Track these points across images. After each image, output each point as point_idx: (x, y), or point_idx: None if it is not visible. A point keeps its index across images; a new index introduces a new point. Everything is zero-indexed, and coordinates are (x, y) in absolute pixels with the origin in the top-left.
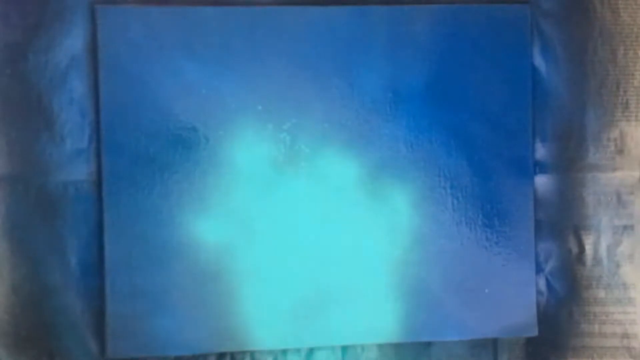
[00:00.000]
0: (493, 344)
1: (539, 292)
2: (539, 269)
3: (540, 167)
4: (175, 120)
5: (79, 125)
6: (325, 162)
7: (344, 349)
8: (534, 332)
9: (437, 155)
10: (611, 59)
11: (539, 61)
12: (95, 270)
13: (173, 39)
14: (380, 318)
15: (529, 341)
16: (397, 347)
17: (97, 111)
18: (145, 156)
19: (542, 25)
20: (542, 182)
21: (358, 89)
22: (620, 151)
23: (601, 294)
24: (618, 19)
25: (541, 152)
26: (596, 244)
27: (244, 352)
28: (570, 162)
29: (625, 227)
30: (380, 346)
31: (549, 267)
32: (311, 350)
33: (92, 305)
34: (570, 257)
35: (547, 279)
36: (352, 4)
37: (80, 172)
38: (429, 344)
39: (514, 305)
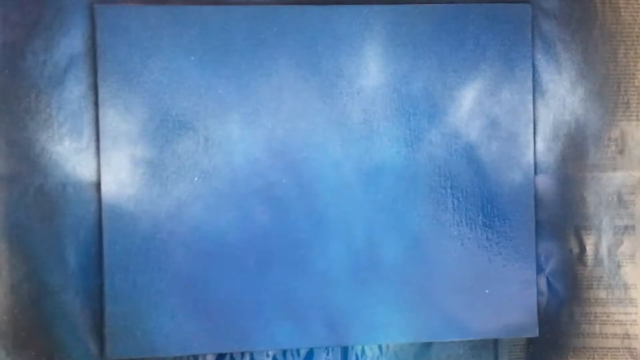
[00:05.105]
0: (494, 345)
1: (539, 293)
2: (539, 270)
3: (540, 167)
4: (175, 120)
5: (78, 125)
6: (325, 162)
7: (344, 349)
8: (535, 333)
9: (437, 155)
10: (612, 58)
11: (539, 61)
12: (94, 270)
13: (173, 38)
14: (380, 318)
15: (530, 342)
16: (397, 347)
17: (96, 111)
18: (145, 156)
19: (543, 25)
20: (543, 182)
21: (358, 89)
22: (621, 151)
23: (602, 294)
24: (619, 18)
25: (541, 152)
26: (597, 244)
27: (243, 352)
28: (570, 162)
29: (626, 227)
30: (380, 346)
31: (549, 267)
32: (311, 351)
33: (91, 306)
34: (571, 257)
35: (548, 280)
36: (352, 3)
37: (79, 172)
38: (429, 344)
39: (515, 306)
